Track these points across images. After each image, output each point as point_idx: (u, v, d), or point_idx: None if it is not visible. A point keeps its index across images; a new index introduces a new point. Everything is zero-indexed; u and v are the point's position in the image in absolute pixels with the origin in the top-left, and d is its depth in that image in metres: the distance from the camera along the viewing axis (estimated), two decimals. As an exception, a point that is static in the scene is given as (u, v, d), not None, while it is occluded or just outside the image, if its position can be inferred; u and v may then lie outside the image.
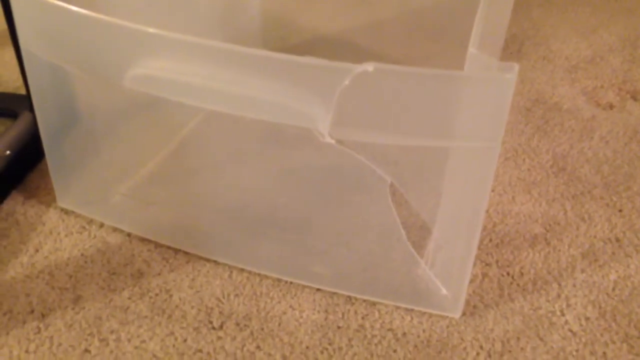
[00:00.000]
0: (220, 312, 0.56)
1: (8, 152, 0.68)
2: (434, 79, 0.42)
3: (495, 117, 0.43)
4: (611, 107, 0.83)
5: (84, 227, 0.64)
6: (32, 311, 0.55)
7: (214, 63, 0.46)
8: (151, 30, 0.45)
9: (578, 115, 0.81)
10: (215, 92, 0.46)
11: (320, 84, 0.44)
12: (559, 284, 0.59)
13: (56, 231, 0.63)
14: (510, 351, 0.53)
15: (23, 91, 0.74)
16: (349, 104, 0.44)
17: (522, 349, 0.53)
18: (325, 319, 0.55)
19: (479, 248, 0.62)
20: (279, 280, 0.59)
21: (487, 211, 0.66)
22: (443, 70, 0.41)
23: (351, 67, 0.42)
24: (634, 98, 0.85)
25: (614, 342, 0.54)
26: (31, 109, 0.62)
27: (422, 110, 0.43)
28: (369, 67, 0.42)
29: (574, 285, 0.59)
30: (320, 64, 0.43)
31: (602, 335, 0.54)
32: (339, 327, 0.55)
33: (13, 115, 0.75)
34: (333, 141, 0.46)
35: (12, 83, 0.85)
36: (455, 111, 0.43)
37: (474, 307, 0.57)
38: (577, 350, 0.53)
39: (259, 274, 0.59)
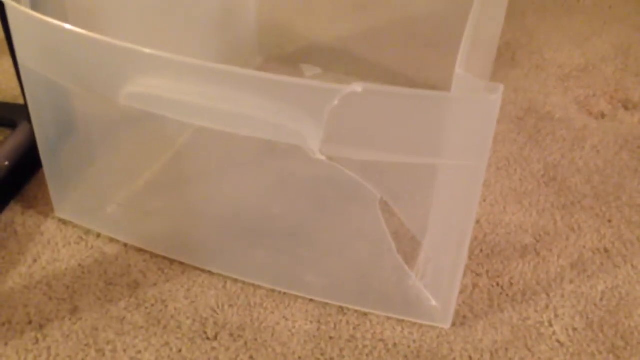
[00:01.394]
0: (215, 323, 0.57)
1: (7, 162, 0.69)
2: (421, 100, 0.43)
3: (480, 136, 0.44)
4: (603, 116, 0.84)
5: (81, 238, 0.65)
6: (30, 322, 0.56)
7: (207, 82, 0.47)
8: (146, 50, 0.46)
9: (570, 124, 0.82)
10: (208, 110, 0.47)
11: (311, 104, 0.45)
12: (548, 295, 0.60)
13: (54, 241, 0.64)
14: (498, 361, 0.54)
15: (22, 100, 0.75)
16: (339, 123, 0.45)
17: (510, 359, 0.54)
18: (318, 329, 0.57)
19: (469, 258, 0.63)
20: (273, 290, 0.60)
21: (478, 221, 0.68)
22: (429, 91, 0.42)
23: (340, 87, 0.43)
24: (626, 107, 0.86)
25: (600, 353, 0.55)
26: (29, 119, 0.63)
27: (408, 129, 0.44)
28: (358, 87, 0.43)
29: (563, 296, 0.60)
30: (311, 84, 0.44)
31: (589, 345, 0.56)
32: (331, 338, 0.56)
33: (12, 125, 0.76)
34: (324, 157, 0.47)
35: (10, 92, 0.86)
36: (442, 131, 0.44)
37: (464, 317, 0.58)
38: (564, 361, 0.54)
39: (253, 285, 0.60)
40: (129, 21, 0.71)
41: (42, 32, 0.51)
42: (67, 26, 0.49)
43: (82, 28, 0.49)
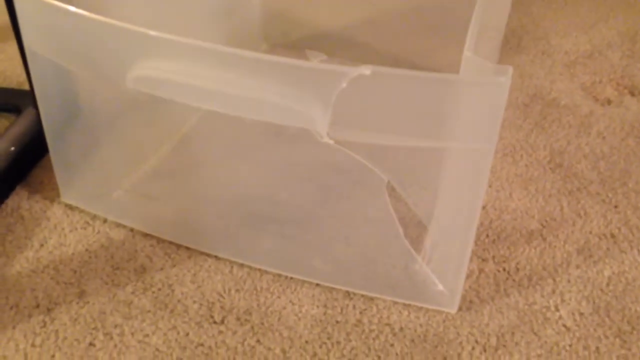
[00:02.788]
0: (222, 307, 0.57)
1: (12, 148, 0.69)
2: (429, 83, 0.43)
3: (489, 119, 0.44)
4: (609, 102, 0.84)
5: (87, 223, 0.65)
6: (38, 305, 0.57)
7: (214, 65, 0.46)
8: (152, 32, 0.46)
9: (576, 110, 0.82)
10: (216, 94, 0.47)
11: (319, 87, 0.44)
12: (554, 280, 0.60)
13: (60, 226, 0.64)
14: (504, 345, 0.54)
15: (26, 86, 0.75)
16: (347, 106, 0.45)
17: (516, 343, 0.55)
18: (324, 313, 0.57)
19: (475, 244, 0.63)
20: (279, 275, 0.60)
21: (484, 207, 0.67)
22: (438, 74, 0.42)
23: (349, 70, 0.43)
24: (632, 93, 0.85)
25: (607, 337, 0.55)
26: (35, 105, 0.63)
27: (417, 112, 0.44)
28: (367, 70, 0.42)
29: (569, 281, 0.60)
30: (319, 67, 0.44)
31: (595, 330, 0.56)
32: (337, 322, 0.56)
33: (17, 111, 0.76)
34: (331, 141, 0.47)
35: (15, 78, 0.86)
36: (450, 114, 0.44)
37: (470, 302, 0.58)
38: (570, 345, 0.54)
39: (259, 269, 0.60)
40: (134, 9, 0.70)
41: (48, 16, 0.51)
42: (74, 9, 0.49)
43: (89, 12, 0.49)
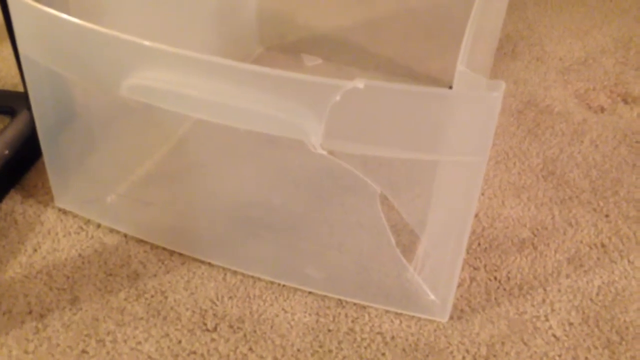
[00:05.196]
0: (214, 314, 0.57)
1: (6, 151, 0.69)
2: (423, 97, 0.43)
3: (481, 133, 0.44)
4: (602, 110, 0.84)
5: (81, 228, 0.65)
6: (31, 312, 0.57)
7: (209, 76, 0.47)
8: (147, 42, 0.46)
9: (569, 118, 0.83)
10: (210, 104, 0.48)
11: (313, 99, 0.45)
12: (545, 289, 0.60)
13: (54, 231, 0.64)
14: (495, 355, 0.55)
15: (21, 87, 0.75)
16: (340, 119, 0.45)
17: (506, 353, 0.55)
18: (317, 321, 0.57)
19: (467, 252, 0.64)
20: (272, 282, 0.60)
21: (476, 215, 0.68)
22: (431, 88, 0.42)
23: (343, 83, 0.43)
24: (625, 101, 0.86)
25: (596, 348, 0.55)
26: (29, 107, 0.63)
27: (410, 125, 0.44)
28: (360, 83, 0.43)
29: (559, 291, 0.60)
30: (313, 80, 0.44)
31: (584, 340, 0.56)
32: (329, 330, 0.56)
33: (11, 113, 0.76)
34: (325, 152, 0.47)
35: (10, 79, 0.86)
36: (443, 127, 0.44)
37: (461, 311, 0.58)
38: (559, 355, 0.55)
39: (252, 277, 0.60)
40: (130, 10, 0.70)
41: (43, 24, 0.51)
42: (69, 18, 0.49)
43: (83, 19, 0.49)
